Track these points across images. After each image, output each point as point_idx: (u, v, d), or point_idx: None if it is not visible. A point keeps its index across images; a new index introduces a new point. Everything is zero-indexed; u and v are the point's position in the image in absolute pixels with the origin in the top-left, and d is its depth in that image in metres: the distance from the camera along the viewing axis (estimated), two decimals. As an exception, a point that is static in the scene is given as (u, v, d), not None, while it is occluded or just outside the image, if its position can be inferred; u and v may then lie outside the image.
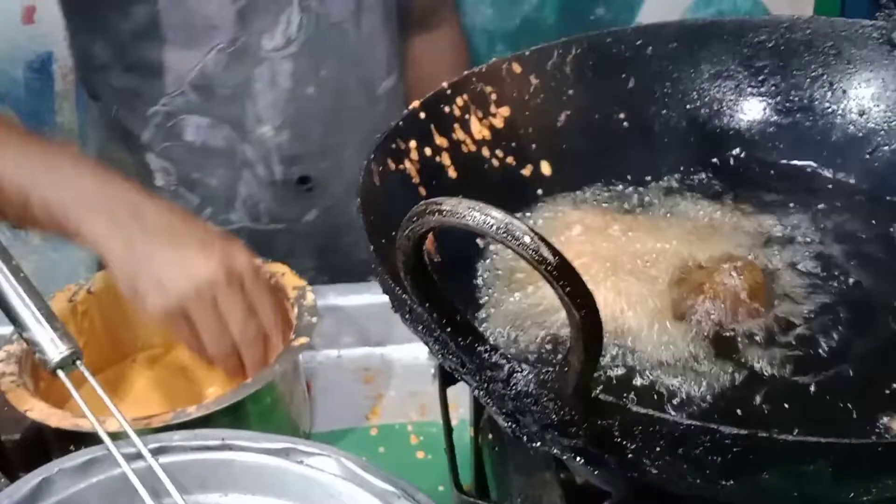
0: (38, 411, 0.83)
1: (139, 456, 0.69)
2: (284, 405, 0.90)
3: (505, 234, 0.44)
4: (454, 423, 0.79)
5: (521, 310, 0.70)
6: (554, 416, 0.50)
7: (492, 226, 0.44)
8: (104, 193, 0.88)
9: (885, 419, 0.60)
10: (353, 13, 1.12)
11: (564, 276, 0.43)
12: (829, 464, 0.47)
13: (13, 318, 0.74)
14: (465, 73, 0.79)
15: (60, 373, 0.72)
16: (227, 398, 0.83)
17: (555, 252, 0.43)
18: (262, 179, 1.16)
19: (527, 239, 0.43)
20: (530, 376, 0.50)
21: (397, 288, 0.56)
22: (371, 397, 0.99)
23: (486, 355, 0.51)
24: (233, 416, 0.83)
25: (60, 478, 0.68)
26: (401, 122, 0.74)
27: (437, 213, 0.45)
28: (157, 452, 0.70)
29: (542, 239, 0.43)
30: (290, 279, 0.96)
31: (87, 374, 0.74)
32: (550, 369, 0.49)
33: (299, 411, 0.94)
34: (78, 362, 0.73)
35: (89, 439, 0.76)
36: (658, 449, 0.49)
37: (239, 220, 1.18)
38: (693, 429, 0.47)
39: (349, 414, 0.97)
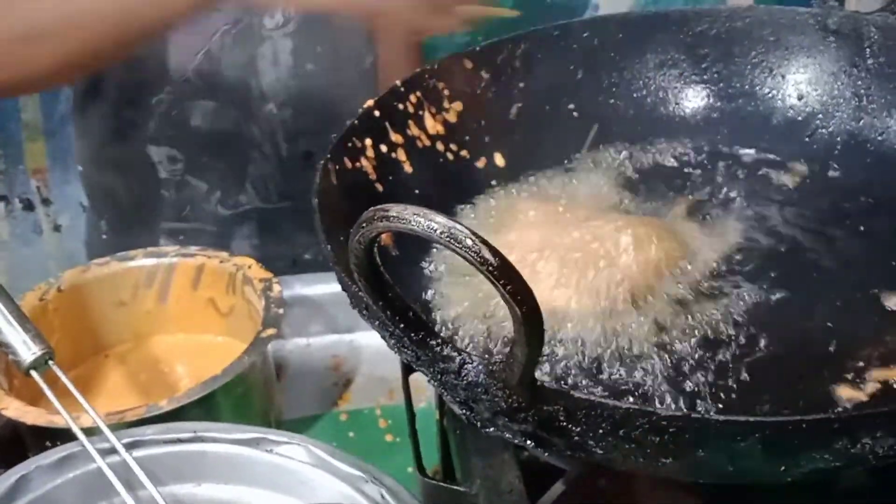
0: (14, 409, 0.85)
1: (113, 450, 0.71)
2: (255, 395, 0.93)
3: (448, 239, 0.46)
4: (422, 404, 0.81)
5: (468, 296, 0.73)
6: (503, 404, 0.53)
7: (436, 230, 0.46)
8: None
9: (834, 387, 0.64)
10: None
11: (505, 276, 0.46)
12: (758, 441, 0.50)
13: (-15, 321, 0.76)
14: (418, 70, 0.81)
15: (34, 373, 0.74)
16: (197, 391, 0.85)
17: (495, 253, 0.46)
18: (270, 157, 1.17)
19: (469, 242, 0.46)
20: (480, 367, 0.53)
21: (353, 286, 0.58)
22: (340, 383, 1.02)
23: (439, 349, 0.54)
24: (205, 407, 0.84)
25: (38, 475, 0.70)
26: (356, 121, 0.76)
27: (384, 220, 0.47)
28: (130, 446, 0.72)
29: (484, 242, 0.46)
30: (256, 271, 0.98)
31: (59, 373, 0.75)
32: (498, 360, 0.52)
33: (270, 400, 0.96)
34: (50, 362, 0.75)
35: (64, 435, 0.78)
36: (601, 431, 0.52)
37: (249, 201, 1.19)
38: (631, 412, 0.51)
39: (319, 400, 0.99)
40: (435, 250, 0.78)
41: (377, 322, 0.58)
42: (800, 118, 0.86)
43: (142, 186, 1.18)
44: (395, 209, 0.47)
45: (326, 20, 1.12)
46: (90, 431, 0.71)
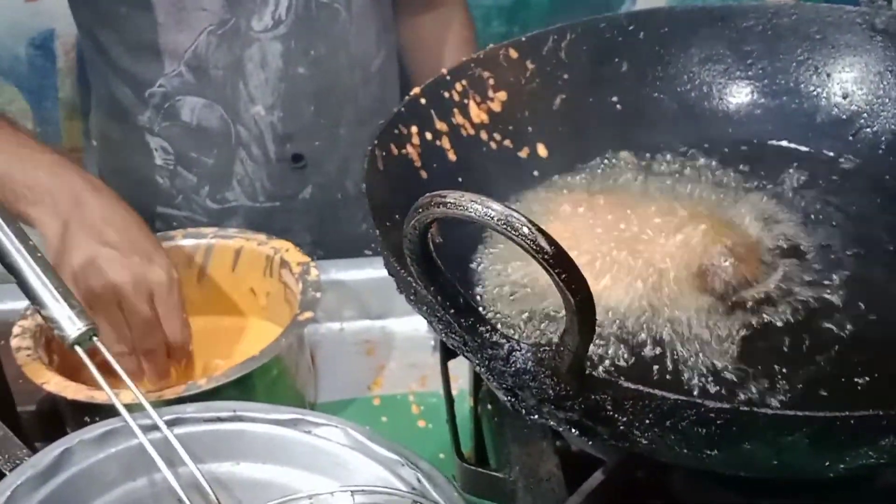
0: (54, 384, 0.86)
1: (155, 427, 0.72)
2: (290, 377, 0.94)
3: (505, 226, 0.47)
4: (455, 392, 0.82)
5: (515, 287, 0.74)
6: (551, 392, 0.53)
7: (493, 217, 0.47)
8: (54, 183, 0.92)
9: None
10: None
11: (560, 265, 0.47)
12: (804, 435, 0.50)
13: (32, 297, 0.76)
14: (464, 59, 0.81)
15: (78, 348, 0.75)
16: (235, 371, 0.86)
17: (551, 242, 0.47)
18: (257, 158, 1.18)
19: (525, 230, 0.47)
20: (528, 355, 0.53)
21: (403, 271, 0.59)
22: (373, 368, 1.02)
23: (488, 335, 0.55)
24: (241, 387, 0.86)
25: (81, 448, 0.71)
26: (402, 108, 0.77)
27: (441, 206, 0.48)
28: (171, 424, 0.72)
29: (540, 230, 0.47)
30: (293, 255, 0.99)
31: (102, 349, 0.76)
32: (547, 348, 0.52)
33: (304, 383, 0.97)
34: (94, 338, 0.76)
35: (102, 411, 0.79)
36: (647, 421, 0.52)
37: (235, 198, 1.20)
38: (679, 403, 0.51)
39: (352, 385, 1.00)
40: (480, 245, 0.78)
41: (425, 307, 0.59)
42: (844, 116, 0.86)
43: (141, 170, 1.20)
44: (451, 196, 0.48)
45: (319, 23, 1.13)
46: (130, 408, 0.72)
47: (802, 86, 0.87)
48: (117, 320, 0.90)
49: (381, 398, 0.99)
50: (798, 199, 0.81)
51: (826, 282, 0.73)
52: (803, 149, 0.86)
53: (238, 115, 1.15)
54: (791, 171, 0.84)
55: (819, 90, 0.86)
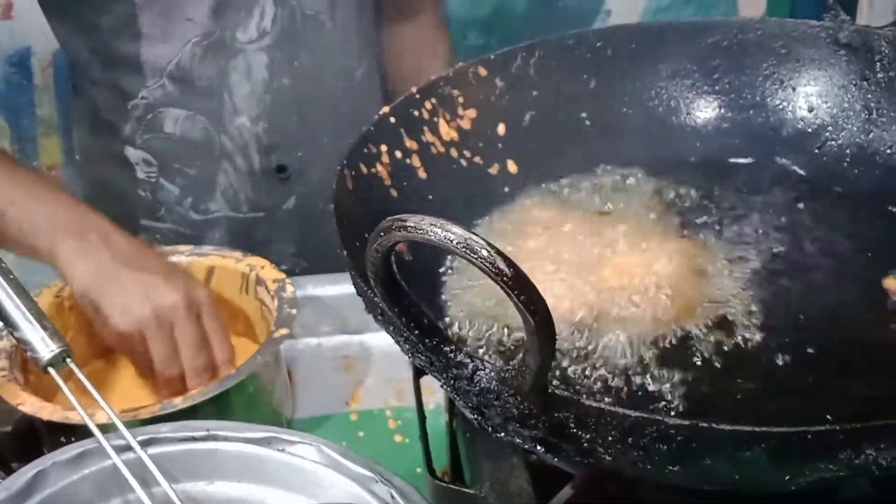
0: (30, 405, 0.86)
1: (129, 447, 0.72)
2: (267, 394, 0.94)
3: (465, 249, 0.47)
4: (431, 407, 0.83)
5: (479, 302, 0.74)
6: (515, 410, 0.54)
7: (452, 241, 0.48)
8: (77, 220, 0.94)
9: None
10: (327, 5, 1.15)
11: (519, 286, 0.47)
12: (763, 451, 0.51)
13: (4, 319, 0.77)
14: (433, 77, 0.82)
15: (51, 370, 0.75)
16: (211, 389, 0.86)
17: (510, 264, 0.47)
18: (241, 169, 1.19)
19: (484, 253, 0.47)
20: (492, 374, 0.54)
21: (369, 291, 0.59)
22: (350, 384, 1.03)
23: (452, 355, 0.55)
24: (217, 405, 0.86)
25: (54, 470, 0.71)
26: (372, 128, 0.77)
27: (402, 230, 0.49)
28: (145, 444, 0.73)
29: (499, 252, 0.47)
30: (269, 272, 0.99)
31: (76, 370, 0.77)
32: (510, 368, 0.53)
33: (281, 399, 0.97)
34: (68, 359, 0.76)
35: (79, 431, 0.79)
36: (610, 438, 0.53)
37: (219, 209, 1.21)
38: (640, 420, 0.52)
39: (330, 400, 1.01)
40: (449, 256, 0.79)
41: (392, 328, 0.59)
42: (810, 130, 0.87)
43: (124, 182, 1.20)
44: (412, 220, 0.49)
45: (304, 34, 1.14)
46: (105, 428, 0.73)
47: (769, 99, 0.88)
48: (169, 344, 0.91)
49: (359, 413, 0.99)
50: (763, 214, 0.82)
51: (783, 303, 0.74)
52: (769, 163, 0.87)
53: (222, 127, 1.16)
54: (757, 186, 0.85)
55: (785, 104, 0.88)
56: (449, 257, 0.78)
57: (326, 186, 1.20)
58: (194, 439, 0.75)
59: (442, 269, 0.79)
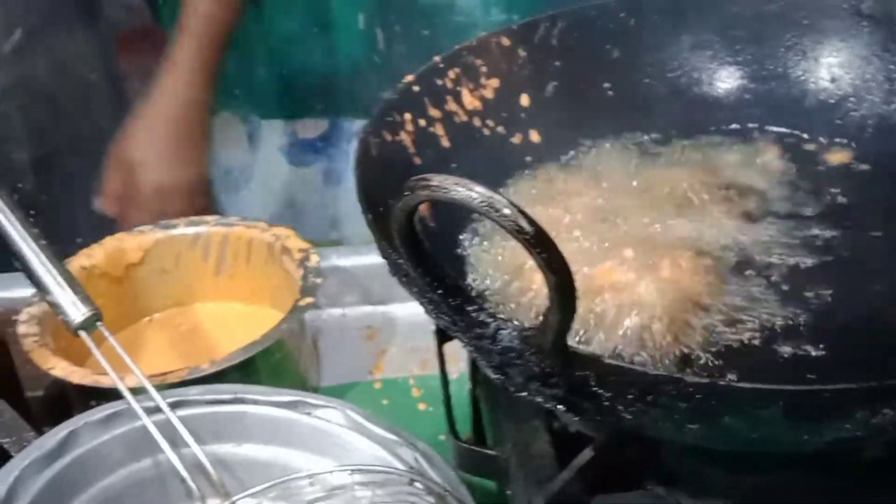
0: (60, 369, 0.88)
1: (158, 409, 0.74)
2: (293, 361, 0.96)
3: (487, 208, 0.48)
4: (455, 376, 0.84)
5: (502, 263, 0.75)
6: (536, 369, 0.55)
7: (475, 199, 0.49)
8: None
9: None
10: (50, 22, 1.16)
11: (540, 244, 0.48)
12: (780, 409, 0.52)
13: (36, 283, 0.78)
14: (457, 47, 0.83)
15: (83, 333, 0.77)
16: (238, 355, 0.88)
17: (531, 222, 0.48)
18: None
19: (507, 211, 0.48)
20: (514, 333, 0.55)
21: (393, 254, 0.60)
22: (374, 353, 1.04)
23: (475, 315, 0.56)
24: (244, 371, 0.87)
25: (86, 430, 0.73)
26: (395, 96, 0.78)
27: (426, 189, 0.50)
28: (174, 406, 0.74)
29: (521, 211, 0.48)
30: (294, 242, 1.01)
31: (107, 334, 0.78)
32: (531, 326, 0.54)
33: (307, 367, 0.99)
34: (98, 323, 0.78)
35: (108, 395, 0.81)
36: (630, 397, 0.54)
37: None
38: (659, 378, 0.53)
39: (354, 369, 1.02)
40: (472, 225, 0.79)
41: (415, 289, 0.60)
42: (832, 101, 0.87)
43: None
44: (436, 179, 0.50)
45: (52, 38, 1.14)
46: (135, 392, 0.74)
47: (790, 70, 0.88)
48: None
49: (383, 382, 1.01)
50: (785, 185, 0.82)
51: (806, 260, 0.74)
52: (791, 133, 0.87)
53: None
54: (779, 154, 0.85)
55: (807, 75, 0.88)
56: (471, 223, 0.79)
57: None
58: (222, 402, 0.77)
59: (464, 236, 0.79)
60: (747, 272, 0.74)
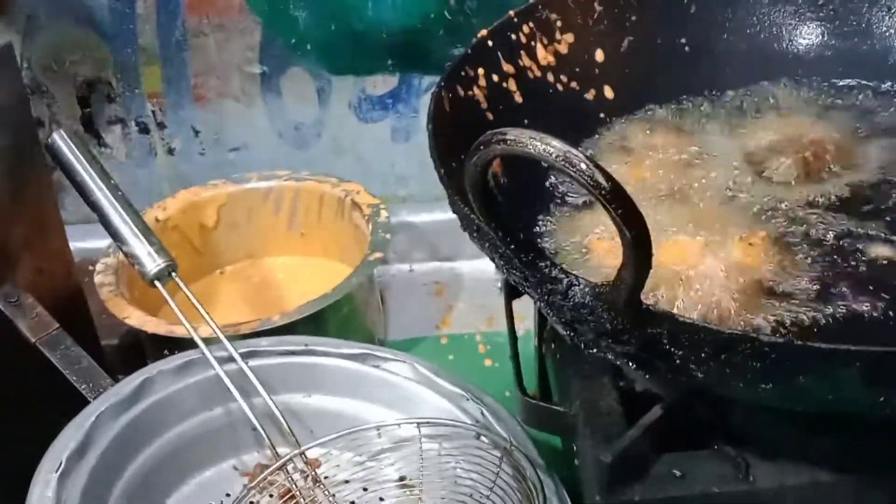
0: (136, 318, 0.90)
1: (230, 359, 0.75)
2: (360, 315, 0.96)
3: (564, 162, 0.48)
4: (521, 333, 0.84)
5: (575, 225, 0.75)
6: (608, 326, 0.54)
7: (552, 154, 0.48)
8: None
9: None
10: None
11: (617, 200, 0.48)
12: (857, 370, 0.51)
13: (113, 234, 0.80)
14: (531, 1, 0.82)
15: (158, 284, 0.78)
16: (308, 307, 0.89)
17: (608, 178, 0.48)
18: None
19: (583, 166, 0.48)
20: (586, 289, 0.55)
21: (465, 209, 0.60)
22: (441, 309, 1.05)
23: (547, 270, 0.56)
24: (314, 324, 0.89)
25: (160, 378, 0.75)
26: (469, 51, 0.78)
27: (502, 143, 0.49)
28: (246, 356, 0.76)
29: (597, 166, 0.48)
30: (364, 197, 1.01)
31: (181, 284, 0.79)
32: (605, 283, 0.54)
33: (374, 321, 1.00)
34: (173, 274, 0.79)
35: (181, 344, 0.83)
36: (703, 355, 0.54)
37: None
38: (734, 336, 0.52)
39: (421, 324, 1.03)
40: (545, 180, 0.79)
41: (487, 244, 0.60)
42: (917, 57, 0.85)
43: None
44: (512, 132, 0.49)
45: None
46: (207, 341, 0.76)
47: (874, 27, 0.86)
48: None
49: (449, 337, 1.02)
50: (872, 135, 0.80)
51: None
52: (875, 86, 0.85)
53: None
54: (863, 105, 0.83)
55: (891, 31, 0.85)
56: (545, 180, 0.79)
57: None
58: (293, 353, 0.78)
59: (539, 192, 0.79)
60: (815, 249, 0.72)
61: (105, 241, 0.93)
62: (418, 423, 0.71)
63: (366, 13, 1.34)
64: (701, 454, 0.65)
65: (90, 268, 0.96)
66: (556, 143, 0.48)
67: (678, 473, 0.63)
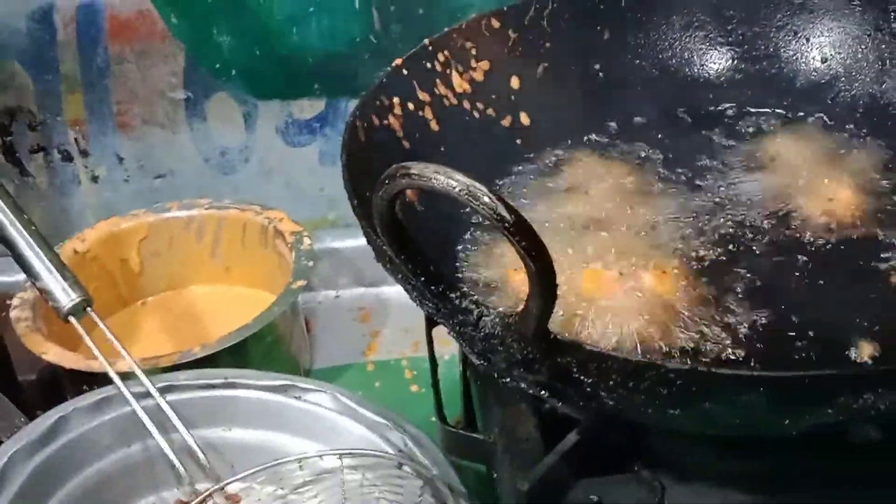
0: (53, 354, 0.88)
1: (148, 394, 0.75)
2: (285, 344, 0.96)
3: (468, 196, 0.48)
4: (447, 357, 0.84)
5: (493, 252, 0.75)
6: (518, 355, 0.55)
7: (455, 188, 0.48)
8: None
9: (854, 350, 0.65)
10: None
11: (520, 233, 0.48)
12: (761, 394, 0.52)
13: (26, 269, 0.79)
14: (447, 29, 0.82)
15: (72, 319, 0.77)
16: (229, 339, 0.88)
17: (511, 211, 0.48)
18: None
19: (486, 199, 0.48)
20: (496, 319, 0.55)
21: (378, 240, 0.60)
22: (367, 335, 1.05)
23: (458, 301, 0.56)
24: (236, 355, 0.88)
25: (76, 416, 0.74)
26: (384, 80, 0.78)
27: (406, 177, 0.49)
28: (164, 391, 0.75)
29: (500, 199, 0.48)
30: (287, 225, 1.01)
31: (96, 319, 0.79)
32: (513, 313, 0.54)
33: (299, 349, 0.99)
34: (88, 309, 0.78)
35: (101, 379, 0.81)
36: (611, 383, 0.54)
37: None
38: (640, 364, 0.53)
39: (347, 351, 1.03)
40: (463, 209, 0.79)
41: (399, 275, 0.60)
42: (823, 81, 0.87)
43: None
44: (416, 167, 0.49)
45: None
46: (126, 376, 0.75)
47: (782, 51, 0.88)
48: None
49: (375, 363, 1.01)
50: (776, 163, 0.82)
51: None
52: (783, 113, 0.86)
53: None
54: (770, 136, 0.85)
55: (798, 55, 0.87)
56: (463, 207, 0.79)
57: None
58: (212, 387, 0.77)
59: (457, 218, 0.79)
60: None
61: (22, 275, 0.91)
62: (340, 454, 0.71)
63: (290, 38, 1.33)
64: (618, 479, 0.65)
65: (7, 302, 0.94)
66: (459, 176, 0.49)
67: (595, 499, 0.63)
